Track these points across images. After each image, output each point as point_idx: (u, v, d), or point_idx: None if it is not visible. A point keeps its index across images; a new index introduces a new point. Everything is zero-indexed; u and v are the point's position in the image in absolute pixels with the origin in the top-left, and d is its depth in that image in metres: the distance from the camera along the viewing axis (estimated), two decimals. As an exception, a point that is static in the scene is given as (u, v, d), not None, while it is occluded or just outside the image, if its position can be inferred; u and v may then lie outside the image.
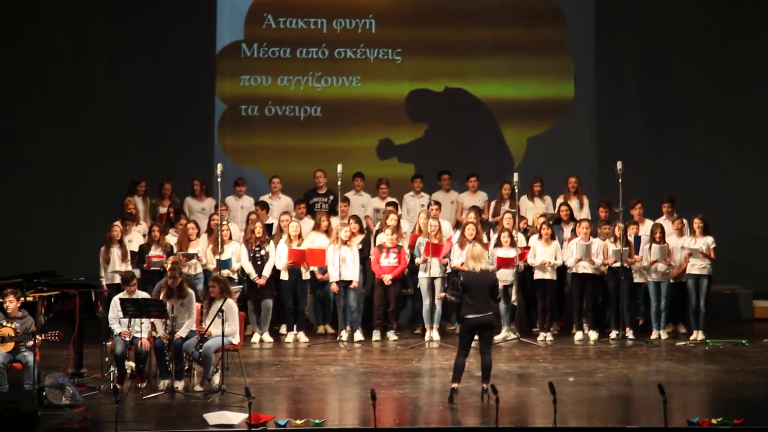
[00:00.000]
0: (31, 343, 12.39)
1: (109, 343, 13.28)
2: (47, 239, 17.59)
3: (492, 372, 12.48)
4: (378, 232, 15.93)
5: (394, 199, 16.65)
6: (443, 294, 14.99)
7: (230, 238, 15.36)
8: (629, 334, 15.40)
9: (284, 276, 15.52)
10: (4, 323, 12.34)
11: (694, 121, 18.73)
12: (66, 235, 17.46)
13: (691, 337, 15.42)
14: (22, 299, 12.74)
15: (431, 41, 18.79)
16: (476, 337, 12.51)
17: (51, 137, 18.09)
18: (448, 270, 15.28)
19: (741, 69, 18.70)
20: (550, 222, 15.79)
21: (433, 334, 15.38)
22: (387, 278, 15.40)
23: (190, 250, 15.19)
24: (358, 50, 18.88)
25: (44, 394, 12.24)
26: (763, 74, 18.66)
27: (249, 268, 15.33)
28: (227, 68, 18.76)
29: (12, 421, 11.33)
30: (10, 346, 12.32)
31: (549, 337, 15.44)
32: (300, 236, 15.52)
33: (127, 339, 12.97)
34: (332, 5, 18.83)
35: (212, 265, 15.12)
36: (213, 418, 11.61)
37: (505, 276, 15.20)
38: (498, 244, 15.32)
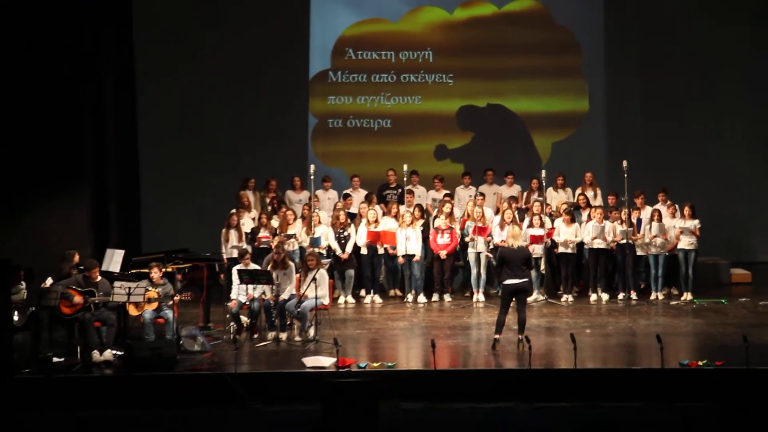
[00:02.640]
0: (170, 303, 12.61)
1: (229, 304, 13.44)
2: (182, 224, 17.73)
3: (526, 326, 12.52)
4: (436, 217, 15.93)
5: (449, 191, 16.66)
6: (489, 254, 15.03)
7: (320, 222, 15.41)
8: (633, 295, 15.33)
9: (363, 251, 15.56)
10: (150, 288, 12.53)
11: (685, 130, 18.54)
12: (196, 221, 17.56)
13: (682, 298, 15.30)
14: (163, 270, 12.98)
15: (476, 68, 18.71)
16: (514, 299, 12.55)
17: (192, 151, 18.29)
18: (491, 246, 15.26)
19: (729, 88, 18.50)
20: (571, 208, 15.74)
21: (479, 297, 15.38)
22: (443, 254, 15.40)
23: (290, 232, 15.26)
24: (419, 75, 18.84)
25: (181, 342, 12.46)
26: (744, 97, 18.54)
27: (335, 246, 15.38)
28: (318, 91, 18.80)
29: (157, 362, 11.54)
30: (155, 305, 12.53)
31: (570, 298, 15.38)
32: (377, 221, 15.54)
33: (246, 301, 13.09)
34: (399, 41, 18.78)
35: (306, 244, 15.16)
36: (309, 361, 11.76)
37: (535, 250, 15.17)
38: (530, 225, 15.30)
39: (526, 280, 12.50)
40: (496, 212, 15.94)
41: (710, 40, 18.45)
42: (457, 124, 18.85)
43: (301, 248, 15.21)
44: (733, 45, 18.45)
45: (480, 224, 15.24)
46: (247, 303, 13.15)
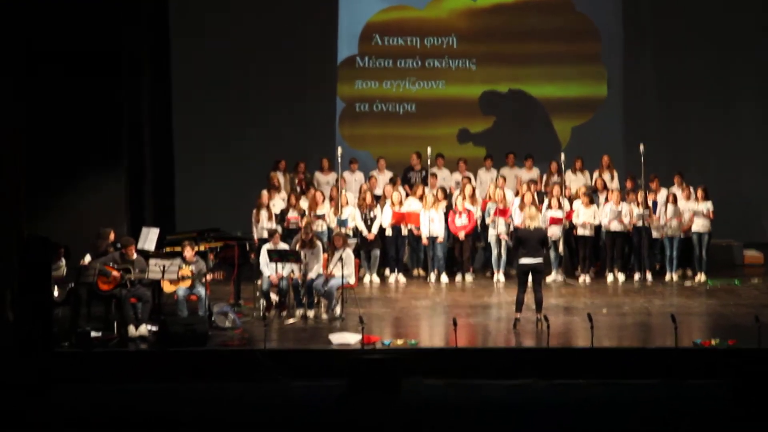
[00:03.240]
0: (203, 280, 12.61)
1: (259, 282, 13.45)
2: (214, 204, 17.68)
3: (543, 305, 12.46)
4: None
5: (469, 174, 16.56)
6: (505, 237, 15.00)
7: (347, 203, 15.37)
8: (648, 276, 15.22)
9: (388, 232, 15.51)
10: (183, 266, 12.53)
11: (700, 114, 18.40)
12: (228, 201, 17.56)
13: (696, 279, 15.19)
14: (196, 248, 12.94)
15: (499, 54, 18.61)
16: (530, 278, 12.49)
17: (223, 134, 18.27)
18: (512, 228, 15.18)
19: (743, 71, 18.32)
20: (590, 191, 15.65)
21: (499, 277, 15.30)
22: (461, 234, 15.30)
23: (318, 212, 15.24)
24: (443, 61, 18.75)
25: (213, 319, 12.50)
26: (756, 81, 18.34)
27: (361, 226, 15.33)
28: (345, 76, 18.75)
29: (190, 338, 11.58)
30: (188, 283, 12.53)
31: (587, 279, 15.29)
32: (401, 202, 15.47)
33: (275, 282, 13.08)
34: (424, 27, 18.69)
35: (333, 224, 15.14)
36: (336, 338, 11.76)
37: (554, 232, 15.12)
38: (549, 207, 15.23)
39: (540, 260, 12.49)
40: (517, 194, 15.86)
41: (723, 24, 18.26)
42: (480, 108, 18.75)
43: (329, 228, 15.17)
44: (746, 28, 18.25)
45: (501, 206, 15.16)
46: (277, 281, 13.14)
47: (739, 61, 18.33)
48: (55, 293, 12.24)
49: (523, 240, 12.48)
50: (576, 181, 16.26)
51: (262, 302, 13.14)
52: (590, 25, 18.62)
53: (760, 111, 18.43)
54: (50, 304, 11.78)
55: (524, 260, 12.45)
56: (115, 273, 12.27)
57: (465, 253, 15.43)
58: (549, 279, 15.10)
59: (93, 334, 12.10)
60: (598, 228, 15.42)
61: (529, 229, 12.53)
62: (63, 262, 12.78)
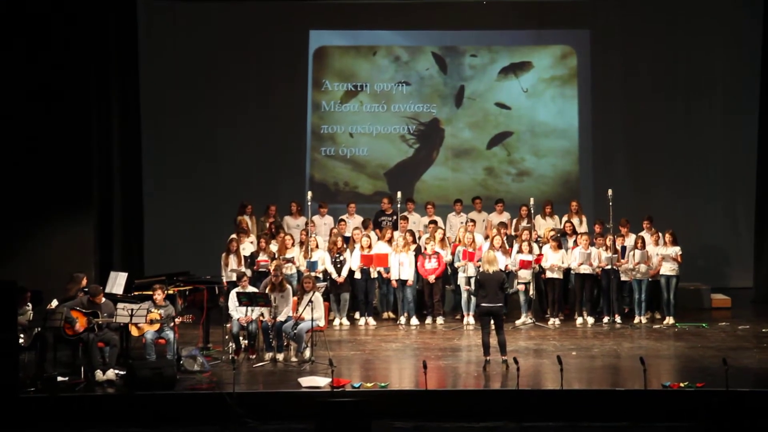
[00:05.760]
0: (172, 324, 12.60)
1: (228, 325, 13.46)
2: (184, 248, 17.73)
3: (513, 348, 12.56)
4: (426, 242, 15.89)
5: (436, 218, 16.68)
6: (467, 287, 15.08)
7: (317, 246, 15.44)
8: (617, 319, 15.34)
9: (358, 275, 15.58)
10: (153, 310, 12.53)
11: (667, 163, 18.61)
12: (197, 245, 17.58)
13: (664, 322, 15.32)
14: (165, 292, 12.96)
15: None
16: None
17: (193, 178, 18.39)
18: (480, 270, 15.27)
19: (706, 125, 18.58)
20: (558, 235, 15.80)
21: (469, 320, 15.36)
22: (431, 278, 15.41)
23: (288, 256, 15.29)
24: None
25: (181, 362, 12.47)
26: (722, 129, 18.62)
27: (331, 270, 15.39)
28: (317, 118, 18.86)
29: (158, 382, 11.55)
30: (157, 326, 12.54)
31: (557, 321, 15.39)
32: (370, 245, 15.56)
33: (245, 324, 13.11)
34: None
35: (303, 267, 15.17)
36: (305, 381, 11.76)
37: (524, 275, 15.24)
38: (519, 251, 15.36)
39: (500, 304, 12.60)
40: (486, 238, 15.96)
41: (689, 73, 18.54)
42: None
43: (298, 272, 15.22)
44: (712, 76, 18.50)
45: (470, 249, 15.26)
46: (245, 324, 13.16)
47: (705, 108, 18.57)
48: (21, 338, 12.14)
49: (482, 284, 12.60)
50: (545, 225, 16.41)
51: (231, 345, 13.15)
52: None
53: (727, 157, 18.63)
54: (16, 349, 11.68)
55: (483, 304, 12.59)
56: (79, 323, 12.24)
57: (435, 296, 15.51)
58: (518, 322, 15.19)
59: (60, 378, 12.07)
60: (567, 271, 15.55)
61: (488, 273, 12.64)
62: (29, 306, 12.72)
